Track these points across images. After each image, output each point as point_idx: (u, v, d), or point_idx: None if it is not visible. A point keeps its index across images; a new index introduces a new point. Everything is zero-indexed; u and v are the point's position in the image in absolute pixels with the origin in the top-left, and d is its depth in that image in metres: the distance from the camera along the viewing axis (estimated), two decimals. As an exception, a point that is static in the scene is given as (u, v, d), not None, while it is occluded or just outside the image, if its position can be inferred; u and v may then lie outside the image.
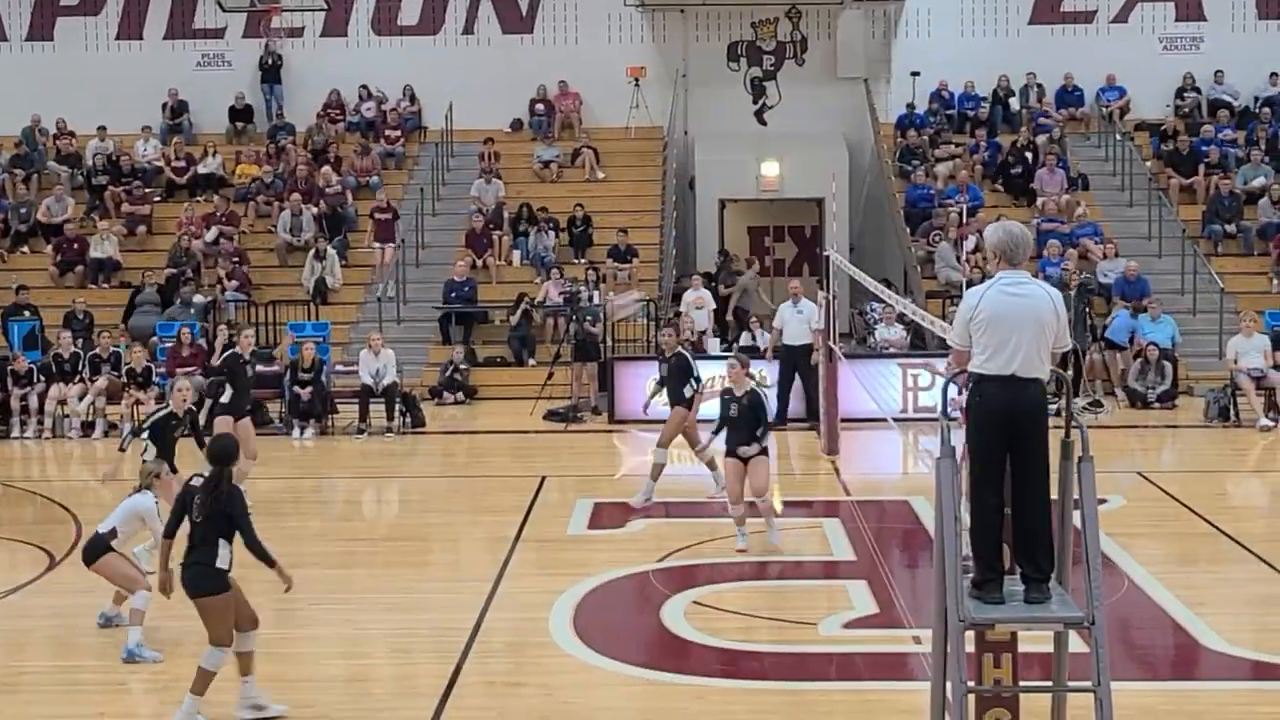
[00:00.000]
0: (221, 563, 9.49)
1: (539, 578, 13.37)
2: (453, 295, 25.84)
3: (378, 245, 27.30)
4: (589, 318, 23.90)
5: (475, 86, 30.60)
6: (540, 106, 31.07)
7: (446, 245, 27.93)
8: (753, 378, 14.70)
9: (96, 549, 11.31)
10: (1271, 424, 21.03)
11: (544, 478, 17.59)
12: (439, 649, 11.19)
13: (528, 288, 25.99)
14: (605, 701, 10.20)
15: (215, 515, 9.53)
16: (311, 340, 22.61)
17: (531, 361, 24.77)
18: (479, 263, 26.95)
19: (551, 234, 27.47)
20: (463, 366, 24.32)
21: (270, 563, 9.64)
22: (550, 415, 22.50)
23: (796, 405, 21.72)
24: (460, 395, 23.95)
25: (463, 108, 30.33)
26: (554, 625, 11.72)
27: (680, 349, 16.53)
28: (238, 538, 9.59)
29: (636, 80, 30.63)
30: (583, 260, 27.18)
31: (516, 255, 27.59)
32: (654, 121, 30.56)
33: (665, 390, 16.40)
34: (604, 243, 27.48)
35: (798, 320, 21.48)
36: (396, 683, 10.68)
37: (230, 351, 17.42)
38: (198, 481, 9.72)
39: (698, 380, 16.20)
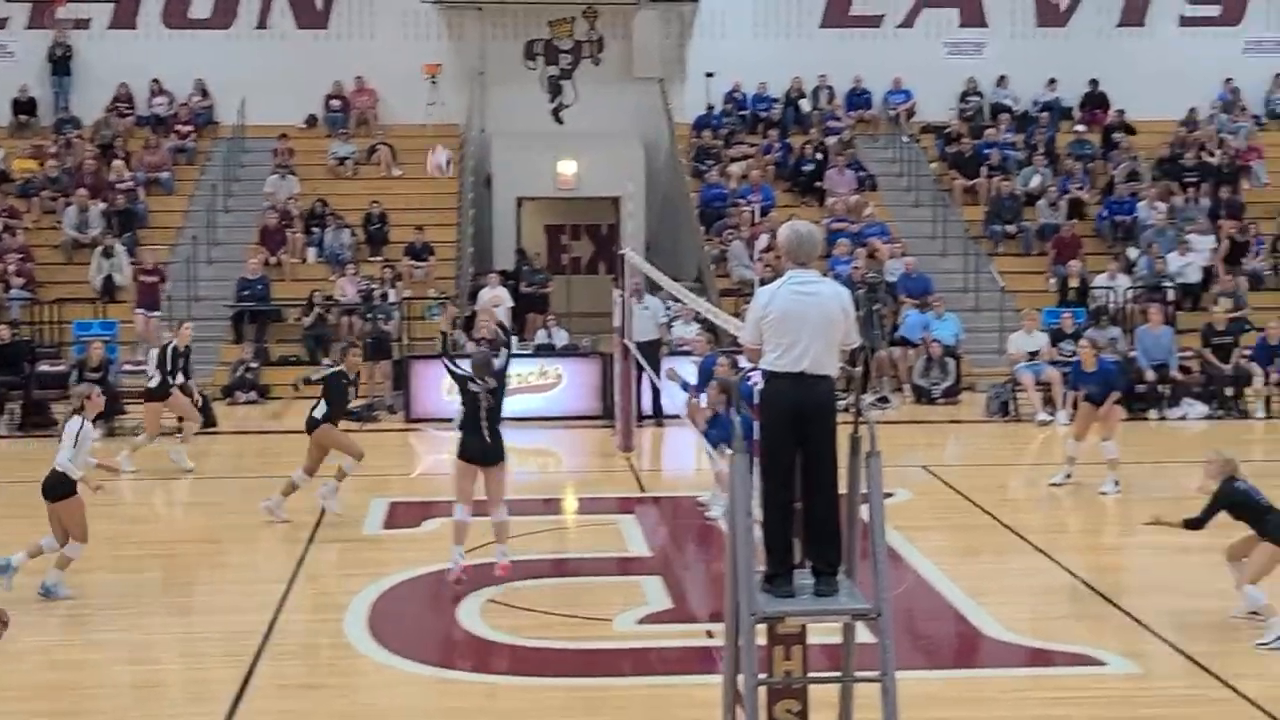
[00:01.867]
0: None
1: (335, 578, 13.28)
2: (245, 293, 25.44)
3: (140, 312, 24.67)
4: (382, 315, 23.70)
5: (269, 81, 30.10)
6: (336, 102, 30.72)
7: (239, 242, 27.44)
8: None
9: (62, 488, 11.52)
10: (1049, 418, 21.73)
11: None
12: (231, 652, 11.03)
13: (323, 285, 25.69)
14: (400, 701, 10.18)
15: None
16: (99, 339, 22.07)
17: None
18: (273, 260, 26.57)
19: (347, 231, 27.19)
20: (253, 365, 23.97)
21: None
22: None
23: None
24: (253, 394, 23.59)
25: (256, 103, 29.83)
26: (349, 626, 11.66)
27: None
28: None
29: (433, 77, 30.45)
30: (379, 258, 26.97)
31: (311, 252, 27.25)
32: (451, 119, 30.46)
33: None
34: (400, 240, 27.30)
35: (644, 316, 21.34)
36: (186, 687, 10.54)
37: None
38: None
39: None
